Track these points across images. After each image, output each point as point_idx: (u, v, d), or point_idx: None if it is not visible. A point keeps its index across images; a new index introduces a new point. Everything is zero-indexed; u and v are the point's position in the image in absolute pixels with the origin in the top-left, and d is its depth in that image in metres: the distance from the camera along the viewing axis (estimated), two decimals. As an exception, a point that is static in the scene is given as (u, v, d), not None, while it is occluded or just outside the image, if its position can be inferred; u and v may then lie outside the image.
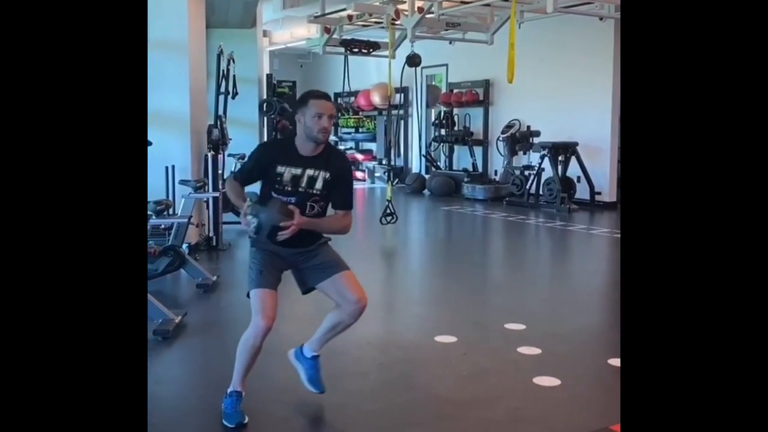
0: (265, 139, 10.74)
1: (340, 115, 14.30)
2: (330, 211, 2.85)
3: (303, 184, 2.71)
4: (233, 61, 7.71)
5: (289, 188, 2.70)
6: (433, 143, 12.46)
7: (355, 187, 2.81)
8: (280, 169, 2.70)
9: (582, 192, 9.69)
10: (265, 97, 10.68)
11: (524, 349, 3.65)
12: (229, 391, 2.78)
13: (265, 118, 10.68)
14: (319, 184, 2.73)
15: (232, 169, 7.83)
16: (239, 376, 2.78)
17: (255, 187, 2.84)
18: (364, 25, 9.71)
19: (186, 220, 5.18)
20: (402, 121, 13.13)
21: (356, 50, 9.97)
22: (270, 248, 2.73)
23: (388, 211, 7.38)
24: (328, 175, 2.73)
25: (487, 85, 11.50)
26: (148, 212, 4.77)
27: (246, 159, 2.76)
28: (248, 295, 2.73)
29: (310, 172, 2.71)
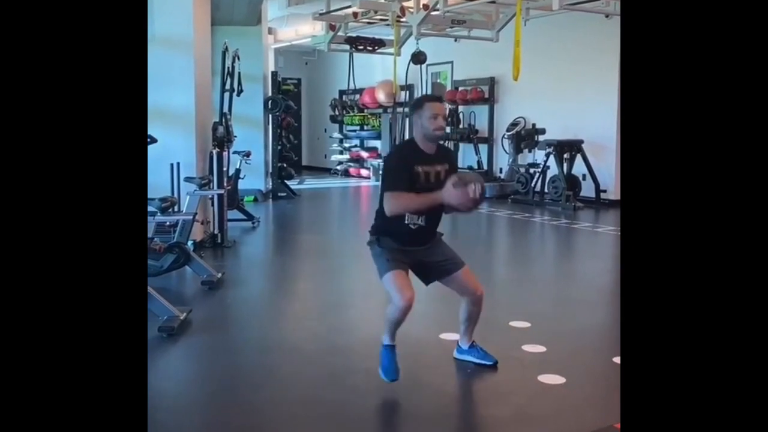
0: (270, 136, 10.76)
1: (345, 112, 14.32)
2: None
3: (433, 179, 2.95)
4: (238, 59, 7.71)
5: (427, 185, 2.92)
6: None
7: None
8: (417, 168, 2.93)
9: (587, 190, 9.66)
10: (270, 94, 10.69)
11: (529, 347, 3.65)
12: (385, 344, 3.10)
13: (270, 116, 10.69)
14: (442, 176, 2.96)
15: (237, 167, 7.85)
16: (392, 333, 3.08)
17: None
18: (369, 23, 9.70)
19: (191, 217, 5.18)
20: (407, 119, 13.13)
21: (361, 47, 9.97)
22: (395, 247, 2.99)
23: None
24: (447, 166, 3.03)
25: (492, 82, 11.47)
26: (154, 209, 4.78)
27: (386, 171, 2.98)
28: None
29: (437, 167, 2.99)
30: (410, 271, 3.09)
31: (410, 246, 3.03)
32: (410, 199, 2.89)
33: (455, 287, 3.20)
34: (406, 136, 13.30)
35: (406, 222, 2.95)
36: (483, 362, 3.33)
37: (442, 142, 3.13)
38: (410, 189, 2.91)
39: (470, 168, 11.51)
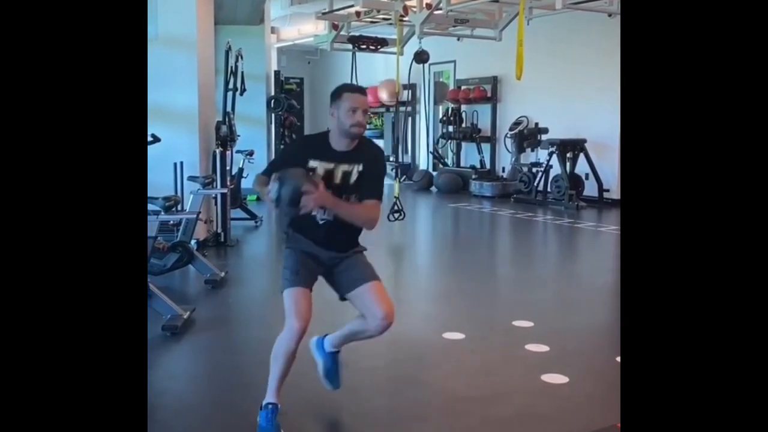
0: (273, 135, 10.77)
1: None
2: None
3: (337, 180, 2.60)
4: (241, 58, 7.72)
5: (331, 183, 2.58)
6: (440, 140, 12.45)
7: (384, 181, 2.70)
8: (312, 163, 2.59)
9: (590, 189, 9.66)
10: (272, 93, 10.70)
11: (532, 347, 3.65)
12: (263, 402, 2.60)
13: (273, 115, 10.69)
14: (353, 179, 2.62)
15: (240, 166, 7.88)
16: (274, 385, 2.60)
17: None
18: (371, 22, 9.70)
19: (194, 216, 5.19)
20: (409, 118, 13.13)
21: (364, 47, 9.96)
22: (305, 249, 2.65)
23: (396, 208, 7.38)
24: (361, 167, 2.62)
25: (495, 81, 11.47)
26: (157, 208, 4.79)
27: (283, 150, 2.69)
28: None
29: (344, 167, 2.61)
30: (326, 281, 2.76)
31: (320, 248, 2.66)
32: (260, 185, 2.62)
33: (359, 306, 2.68)
34: (409, 136, 13.33)
35: (313, 213, 2.55)
36: (326, 379, 2.90)
37: (366, 140, 2.67)
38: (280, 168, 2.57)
39: (472, 167, 11.52)
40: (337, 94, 2.62)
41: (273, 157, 10.60)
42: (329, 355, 2.90)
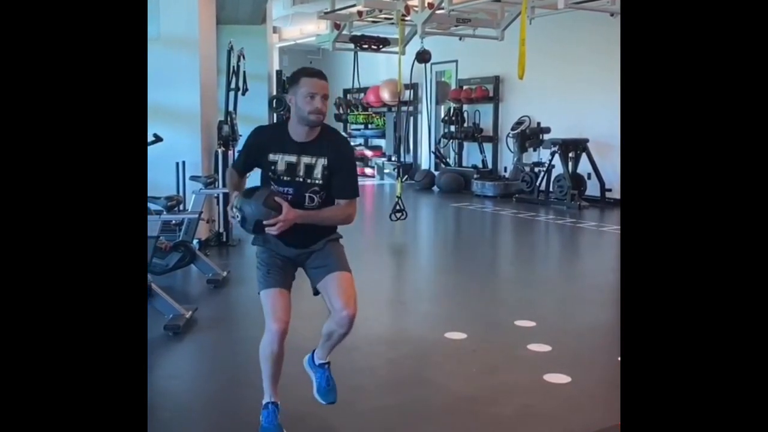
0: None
1: (349, 111, 14.32)
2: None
3: (300, 173, 2.46)
4: (243, 58, 7.72)
5: (286, 178, 2.46)
6: (442, 140, 12.45)
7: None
8: (272, 157, 2.46)
9: (592, 189, 9.65)
10: (274, 93, 10.70)
11: (534, 346, 3.65)
12: (264, 402, 2.58)
13: (275, 114, 10.70)
14: (317, 173, 2.46)
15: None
16: (269, 386, 2.57)
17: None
18: (373, 21, 9.70)
19: (196, 215, 5.19)
20: (411, 118, 13.13)
21: (366, 46, 9.96)
22: (273, 248, 2.54)
23: (398, 207, 7.38)
24: (326, 161, 2.46)
25: (497, 81, 11.47)
26: (160, 208, 4.79)
27: (244, 144, 2.59)
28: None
29: (306, 159, 2.46)
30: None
31: (290, 245, 2.52)
32: (231, 183, 2.57)
33: (324, 298, 2.55)
34: (411, 135, 13.33)
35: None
36: (319, 395, 2.75)
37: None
38: (266, 178, 2.50)
39: (474, 167, 11.52)
40: (295, 78, 2.46)
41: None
42: (318, 368, 2.78)
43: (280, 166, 2.47)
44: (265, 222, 2.37)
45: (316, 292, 2.63)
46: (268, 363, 2.53)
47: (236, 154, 7.14)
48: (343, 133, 14.62)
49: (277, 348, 2.47)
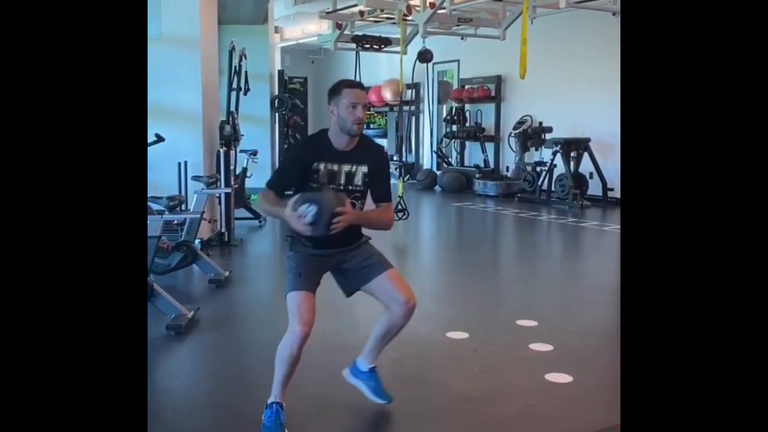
0: (277, 135, 10.78)
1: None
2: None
3: (341, 181, 2.57)
4: (245, 58, 7.73)
5: (334, 185, 2.56)
6: (444, 139, 12.44)
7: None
8: (316, 165, 2.53)
9: (594, 188, 9.64)
10: (276, 93, 10.70)
11: (536, 346, 3.65)
12: (269, 401, 2.60)
13: (277, 114, 10.70)
14: (358, 180, 2.58)
15: (244, 165, 7.88)
16: (279, 387, 2.59)
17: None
18: (375, 21, 9.70)
19: (198, 215, 5.20)
20: (413, 117, 13.12)
21: (368, 46, 9.96)
22: (310, 251, 2.60)
23: (400, 207, 7.38)
24: (366, 168, 2.58)
25: (498, 80, 11.46)
26: (162, 208, 4.80)
27: (286, 157, 2.60)
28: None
29: (347, 167, 2.58)
30: (335, 281, 2.75)
31: (324, 248, 2.60)
32: (270, 204, 2.55)
33: (379, 295, 2.66)
34: (412, 135, 13.32)
35: None
36: (377, 397, 2.83)
37: (365, 139, 2.62)
38: (300, 187, 2.54)
39: (476, 167, 11.51)
40: (336, 90, 2.57)
41: (278, 156, 10.62)
42: (368, 373, 2.86)
43: (323, 174, 2.55)
44: (337, 209, 2.41)
45: (350, 294, 2.74)
46: (284, 364, 2.56)
47: (237, 155, 7.16)
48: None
49: (297, 350, 2.52)
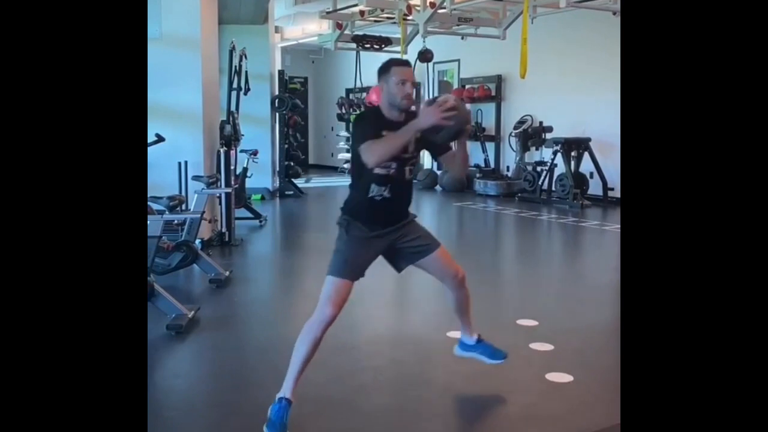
0: (277, 135, 10.78)
1: (351, 110, 14.32)
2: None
3: (408, 149, 2.68)
4: (245, 57, 7.73)
5: (398, 153, 2.64)
6: (445, 139, 12.42)
7: None
8: (385, 134, 2.60)
9: (595, 188, 9.64)
10: (277, 92, 10.70)
11: (537, 345, 3.65)
12: (278, 396, 2.60)
13: (277, 114, 10.70)
14: (411, 148, 2.70)
15: (244, 165, 7.86)
16: (292, 379, 2.61)
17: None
18: (375, 21, 9.70)
19: (199, 215, 5.20)
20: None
21: (368, 46, 9.97)
22: (364, 235, 2.70)
23: (400, 206, 7.37)
24: (418, 134, 2.65)
25: (499, 80, 11.45)
26: (162, 207, 4.80)
27: (357, 132, 2.68)
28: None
29: None
30: (386, 260, 2.89)
31: (379, 228, 2.73)
32: (388, 139, 2.55)
33: (432, 271, 2.93)
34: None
35: (370, 195, 2.66)
36: (494, 359, 3.10)
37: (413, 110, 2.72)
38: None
39: (477, 166, 11.51)
40: (385, 68, 2.69)
41: (278, 155, 10.62)
42: (476, 345, 3.12)
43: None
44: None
45: (401, 270, 2.95)
46: (304, 347, 2.62)
47: (238, 155, 7.15)
48: (347, 133, 14.65)
49: (320, 334, 2.62)
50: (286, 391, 2.61)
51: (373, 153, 2.53)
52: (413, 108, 2.74)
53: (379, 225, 2.74)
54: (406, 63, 2.76)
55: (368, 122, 2.70)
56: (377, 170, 2.62)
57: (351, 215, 2.72)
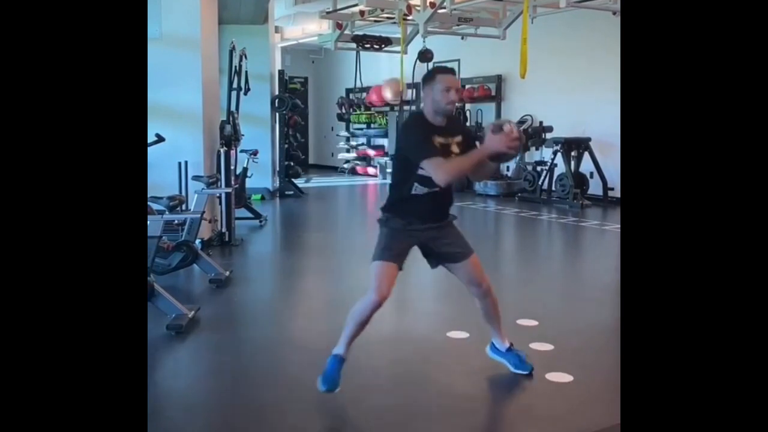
0: (277, 135, 10.78)
1: (352, 110, 14.32)
2: None
3: (454, 151, 2.86)
4: (245, 57, 7.72)
5: (446, 157, 2.82)
6: (445, 139, 12.42)
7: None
8: (435, 139, 2.81)
9: (595, 188, 9.64)
10: (277, 92, 10.70)
11: (536, 345, 3.65)
12: (334, 352, 2.92)
13: (277, 114, 10.70)
14: (454, 149, 2.87)
15: (244, 165, 7.86)
16: (345, 343, 2.92)
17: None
18: (375, 21, 9.70)
19: (199, 215, 5.20)
20: (414, 117, 13.11)
21: (368, 46, 9.97)
22: (402, 227, 2.89)
23: (400, 206, 7.37)
24: (459, 138, 2.90)
25: (499, 80, 11.45)
26: (162, 207, 4.80)
27: (412, 141, 2.85)
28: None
29: (451, 139, 2.88)
30: (419, 253, 3.07)
31: (420, 223, 2.92)
32: (459, 161, 2.80)
33: (460, 277, 3.09)
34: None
35: (413, 192, 2.85)
36: (517, 371, 3.18)
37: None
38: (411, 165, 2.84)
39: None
40: (431, 76, 2.88)
41: (278, 155, 10.62)
42: (507, 353, 3.22)
43: (440, 147, 2.83)
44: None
45: (436, 266, 3.11)
46: (354, 324, 2.91)
47: (238, 155, 7.15)
48: (347, 133, 14.65)
49: (368, 316, 2.88)
50: (341, 349, 2.92)
51: (446, 172, 2.74)
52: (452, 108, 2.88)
53: (418, 221, 2.91)
54: (451, 71, 2.97)
55: (419, 130, 2.86)
56: (421, 171, 2.78)
57: (391, 212, 2.94)
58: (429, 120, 2.87)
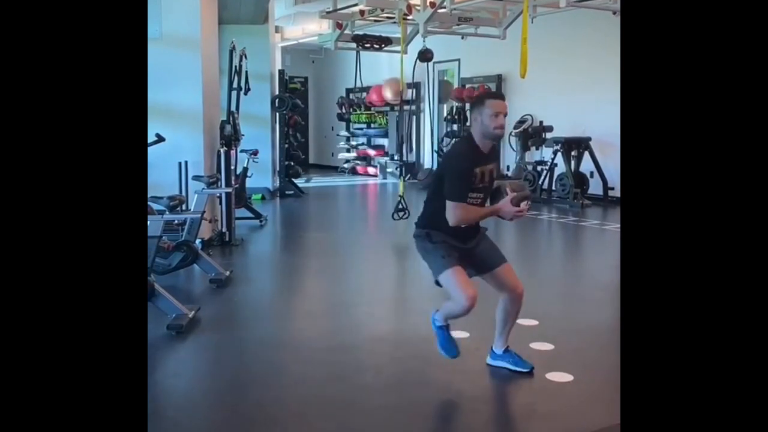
0: (277, 134, 10.78)
1: (352, 110, 14.32)
2: None
3: (486, 179, 2.97)
4: (245, 57, 7.72)
5: (480, 185, 2.95)
6: (445, 139, 12.43)
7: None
8: (477, 170, 2.92)
9: (595, 187, 9.64)
10: (277, 92, 10.70)
11: (537, 345, 3.65)
12: (438, 324, 3.18)
13: (277, 114, 10.70)
14: (487, 177, 2.98)
15: (245, 165, 7.87)
16: (444, 318, 3.15)
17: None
18: (375, 21, 9.69)
19: (199, 215, 5.20)
20: (414, 117, 13.12)
21: (368, 45, 9.96)
22: (441, 240, 2.98)
23: (400, 206, 7.37)
24: (492, 166, 3.01)
25: (499, 80, 11.45)
26: (162, 207, 4.80)
27: (451, 174, 2.94)
28: (437, 283, 3.03)
29: (489, 166, 2.98)
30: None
31: (460, 242, 3.02)
32: (474, 212, 2.94)
33: (495, 284, 3.17)
34: (413, 134, 13.32)
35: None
36: (518, 369, 3.23)
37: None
38: (468, 192, 2.95)
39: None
40: (480, 101, 2.96)
41: (278, 155, 10.62)
42: (505, 354, 3.27)
43: (477, 176, 2.93)
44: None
45: (473, 276, 3.12)
46: (449, 316, 3.14)
47: (238, 155, 7.16)
48: (347, 133, 14.65)
49: (456, 317, 3.07)
50: (440, 321, 3.17)
51: (459, 219, 2.90)
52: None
53: (456, 239, 2.99)
54: (500, 96, 3.05)
55: (464, 165, 2.92)
56: (471, 195, 2.93)
57: (431, 227, 3.01)
58: (477, 144, 2.96)
